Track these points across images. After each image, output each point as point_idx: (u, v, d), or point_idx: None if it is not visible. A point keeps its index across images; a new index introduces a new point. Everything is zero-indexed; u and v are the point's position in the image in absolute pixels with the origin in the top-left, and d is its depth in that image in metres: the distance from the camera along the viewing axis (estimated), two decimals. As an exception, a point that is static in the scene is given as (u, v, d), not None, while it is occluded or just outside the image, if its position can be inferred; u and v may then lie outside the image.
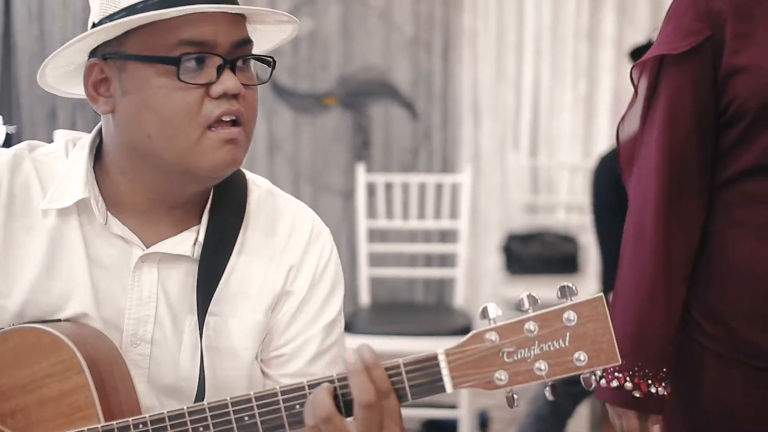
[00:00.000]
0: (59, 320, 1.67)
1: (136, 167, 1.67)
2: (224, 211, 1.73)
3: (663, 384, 2.03)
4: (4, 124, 4.16)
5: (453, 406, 4.61)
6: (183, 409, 1.56)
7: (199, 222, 1.72)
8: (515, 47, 5.96)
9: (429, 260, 5.80)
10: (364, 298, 4.93)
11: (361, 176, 5.09)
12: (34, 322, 1.64)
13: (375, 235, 5.24)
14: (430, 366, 1.48)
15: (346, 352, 1.50)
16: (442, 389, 1.49)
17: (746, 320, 1.98)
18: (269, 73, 1.68)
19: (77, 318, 1.68)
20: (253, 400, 1.53)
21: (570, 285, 1.50)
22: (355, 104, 5.89)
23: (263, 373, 1.78)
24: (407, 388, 1.49)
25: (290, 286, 1.77)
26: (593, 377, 1.50)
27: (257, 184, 1.81)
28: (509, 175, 5.91)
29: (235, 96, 1.60)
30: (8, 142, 3.24)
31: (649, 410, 2.04)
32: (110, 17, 1.59)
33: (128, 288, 1.69)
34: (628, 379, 2.02)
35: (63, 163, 1.72)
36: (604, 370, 2.03)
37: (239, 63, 1.62)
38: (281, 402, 1.52)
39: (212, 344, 1.71)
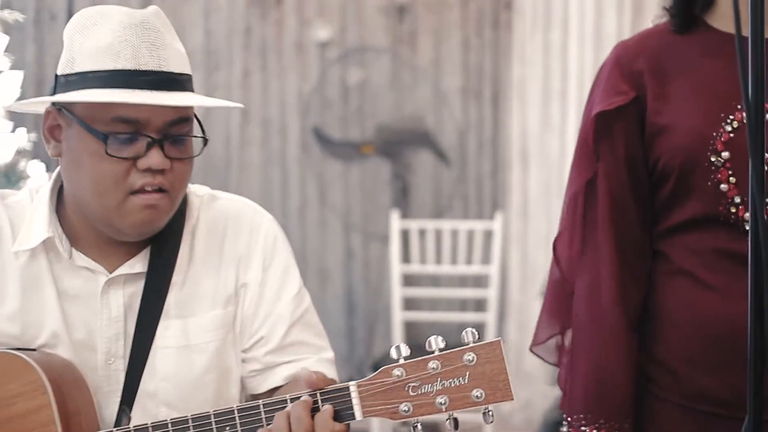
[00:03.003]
0: (33, 350, 1.87)
1: (81, 209, 1.88)
2: (169, 226, 1.91)
3: None
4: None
5: None
6: (129, 427, 1.77)
7: (149, 240, 1.92)
8: (560, 96, 6.09)
9: (477, 305, 5.93)
10: (398, 341, 5.09)
11: (395, 222, 5.27)
12: (9, 349, 1.84)
13: (412, 280, 5.41)
14: (342, 396, 1.68)
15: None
16: (353, 417, 1.68)
17: (689, 366, 2.05)
18: (201, 148, 1.88)
19: (50, 343, 1.87)
20: (190, 421, 1.74)
21: (473, 330, 1.68)
22: (392, 152, 6.09)
23: (245, 361, 1.95)
24: None
25: (244, 278, 1.94)
26: (490, 414, 1.68)
27: (198, 194, 2.00)
28: (555, 222, 6.01)
29: (161, 170, 1.79)
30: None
31: None
32: (66, 76, 1.81)
33: (98, 311, 1.89)
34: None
35: (29, 208, 1.92)
36: (569, 425, 2.12)
37: (173, 139, 1.82)
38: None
39: (182, 344, 1.90)
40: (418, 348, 1.71)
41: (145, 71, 1.78)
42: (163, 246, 1.91)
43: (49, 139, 1.87)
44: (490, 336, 5.15)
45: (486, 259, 5.39)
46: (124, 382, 1.88)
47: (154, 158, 1.79)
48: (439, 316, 5.57)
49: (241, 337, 1.95)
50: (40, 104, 1.91)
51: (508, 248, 5.94)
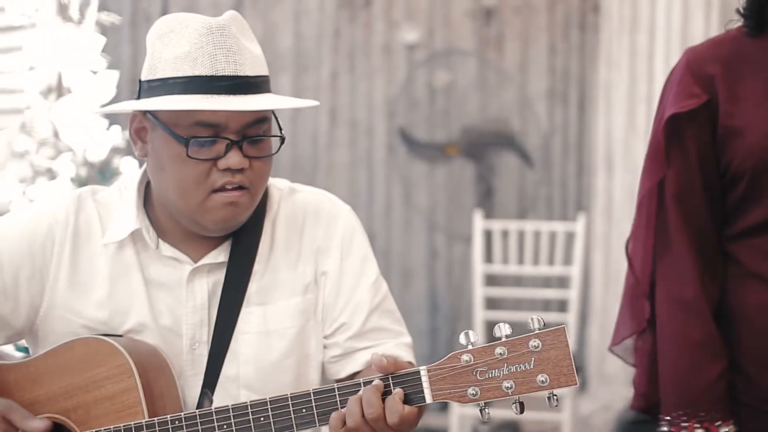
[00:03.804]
0: (120, 335, 1.98)
1: (166, 206, 1.98)
2: (251, 217, 2.00)
3: (731, 422, 2.11)
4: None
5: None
6: (211, 409, 1.85)
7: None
8: (646, 99, 6.09)
9: (559, 306, 5.97)
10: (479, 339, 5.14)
11: (478, 222, 5.33)
12: (98, 334, 1.95)
13: (494, 280, 5.48)
14: (414, 380, 1.75)
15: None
16: (423, 400, 1.75)
17: (762, 369, 2.10)
18: (279, 146, 1.96)
19: (136, 329, 1.98)
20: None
21: (539, 317, 1.73)
22: (477, 154, 6.16)
23: (326, 346, 2.04)
24: None
25: (323, 267, 2.03)
26: (555, 398, 1.72)
27: (278, 187, 2.09)
28: (640, 225, 6.01)
29: (240, 169, 1.89)
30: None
31: None
32: (149, 82, 1.92)
33: (183, 299, 1.99)
34: (697, 425, 2.11)
35: (118, 202, 2.03)
36: (669, 423, 2.14)
37: (255, 139, 1.91)
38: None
39: (262, 329, 1.99)
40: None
41: (222, 76, 1.86)
42: (244, 236, 2.00)
43: (135, 140, 1.98)
44: (571, 337, 5.19)
45: (568, 261, 5.42)
46: (206, 366, 1.97)
47: (233, 158, 1.88)
48: (520, 316, 5.60)
49: (323, 323, 2.04)
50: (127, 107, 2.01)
51: (591, 251, 5.96)
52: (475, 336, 1.77)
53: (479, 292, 5.25)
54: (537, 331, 1.71)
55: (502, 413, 4.57)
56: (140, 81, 1.95)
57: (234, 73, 1.87)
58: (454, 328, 6.26)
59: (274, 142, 1.96)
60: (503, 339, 1.73)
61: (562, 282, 5.53)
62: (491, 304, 5.47)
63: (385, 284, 2.08)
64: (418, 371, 1.75)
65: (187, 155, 1.87)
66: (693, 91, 2.11)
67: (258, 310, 1.99)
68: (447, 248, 6.41)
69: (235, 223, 1.95)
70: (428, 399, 1.74)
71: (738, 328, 2.13)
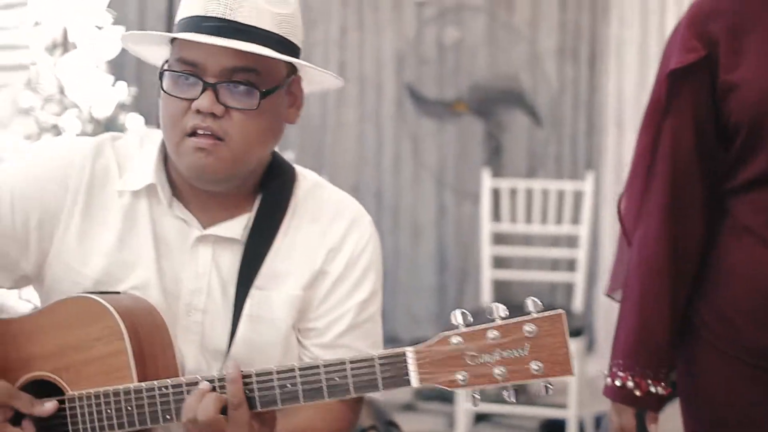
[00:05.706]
0: (118, 293, 1.94)
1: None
2: (273, 200, 1.98)
3: (662, 384, 2.15)
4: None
5: (563, 406, 4.80)
6: (197, 377, 1.82)
7: (251, 209, 1.98)
8: (657, 57, 6.02)
9: (568, 265, 5.96)
10: (487, 299, 5.14)
11: (487, 181, 5.29)
12: (92, 293, 1.91)
13: (502, 239, 5.46)
14: (399, 362, 1.67)
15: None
16: (408, 383, 1.67)
17: (751, 322, 2.11)
18: (257, 102, 1.87)
19: (140, 285, 1.95)
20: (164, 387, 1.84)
21: (536, 300, 1.64)
22: (486, 111, 6.11)
23: (299, 341, 2.01)
24: (379, 379, 1.69)
25: (327, 267, 1.98)
26: (548, 387, 1.64)
27: (305, 177, 2.05)
28: (649, 184, 5.98)
29: (212, 114, 1.85)
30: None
31: (648, 407, 2.17)
32: (177, 22, 1.92)
33: (186, 263, 1.96)
34: (630, 378, 2.15)
35: (138, 152, 2.00)
36: (610, 369, 2.18)
37: (232, 85, 1.86)
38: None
39: (255, 313, 1.95)
40: (510, 306, 1.68)
41: (210, 17, 1.85)
42: (266, 217, 1.97)
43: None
44: (579, 297, 5.17)
45: (577, 220, 5.38)
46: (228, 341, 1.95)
47: (203, 101, 1.84)
48: (528, 275, 5.59)
49: (300, 316, 1.99)
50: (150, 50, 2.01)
51: (601, 210, 5.93)
52: (468, 318, 1.67)
53: (487, 251, 5.21)
54: (534, 316, 1.63)
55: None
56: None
57: (222, 15, 1.85)
58: (462, 286, 6.24)
59: (276, 99, 1.91)
60: (497, 321, 1.64)
61: (571, 241, 5.50)
62: (499, 263, 5.44)
63: (377, 305, 2.03)
64: (404, 353, 1.67)
65: (162, 88, 1.87)
66: (692, 45, 2.10)
67: (257, 294, 1.96)
68: (455, 206, 6.37)
69: (209, 173, 1.89)
70: (414, 383, 1.66)
71: (727, 281, 2.15)
